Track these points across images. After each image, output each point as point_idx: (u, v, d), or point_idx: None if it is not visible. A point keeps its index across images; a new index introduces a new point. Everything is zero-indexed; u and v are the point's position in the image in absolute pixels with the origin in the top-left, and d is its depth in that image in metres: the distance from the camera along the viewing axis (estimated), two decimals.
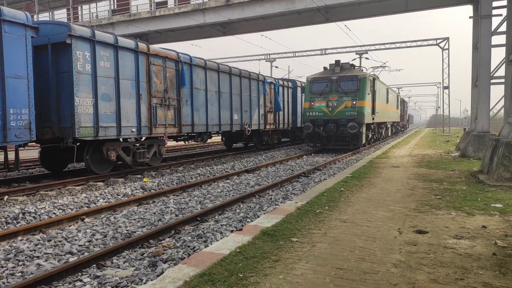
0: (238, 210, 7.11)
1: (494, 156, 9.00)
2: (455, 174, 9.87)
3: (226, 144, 20.74)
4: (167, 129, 12.45)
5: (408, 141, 26.03)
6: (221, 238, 5.13)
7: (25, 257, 4.78)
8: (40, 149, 11.10)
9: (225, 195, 8.61)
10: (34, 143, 10.12)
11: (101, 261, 4.55)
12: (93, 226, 6.18)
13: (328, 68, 19.91)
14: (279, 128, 21.48)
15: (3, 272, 4.36)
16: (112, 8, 25.94)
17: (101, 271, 4.33)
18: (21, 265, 4.57)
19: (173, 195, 8.63)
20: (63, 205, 7.50)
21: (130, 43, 10.98)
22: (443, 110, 45.22)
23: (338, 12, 21.46)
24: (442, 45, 35.87)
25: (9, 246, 5.21)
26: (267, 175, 11.57)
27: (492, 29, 14.96)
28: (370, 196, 7.00)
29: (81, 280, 4.09)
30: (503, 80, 12.89)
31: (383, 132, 26.06)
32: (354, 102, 17.98)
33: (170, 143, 20.79)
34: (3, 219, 6.48)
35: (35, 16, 26.48)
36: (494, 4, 15.11)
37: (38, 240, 5.44)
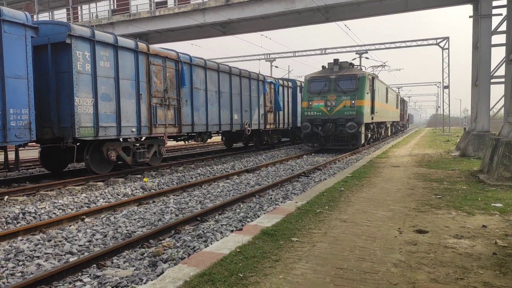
0: (238, 210, 7.11)
1: (494, 155, 9.00)
2: (455, 173, 9.87)
3: (226, 144, 20.72)
4: (167, 129, 12.45)
5: (408, 141, 26.03)
6: (221, 238, 5.14)
7: (25, 257, 4.78)
8: (40, 149, 11.11)
9: (225, 195, 8.62)
10: (34, 143, 10.12)
11: (101, 261, 4.55)
12: (93, 226, 6.18)
13: (327, 67, 19.65)
14: (279, 128, 21.46)
15: (3, 272, 4.36)
16: (112, 8, 25.92)
17: (101, 271, 4.33)
18: (21, 265, 4.57)
19: (173, 195, 8.63)
20: (63, 205, 7.50)
21: (130, 43, 10.98)
22: (443, 110, 45.18)
23: (338, 12, 21.44)
24: (442, 44, 35.88)
25: (9, 246, 5.21)
26: (267, 174, 11.57)
27: (492, 29, 14.96)
28: (370, 196, 6.99)
29: (81, 280, 4.09)
30: (503, 80, 12.91)
31: (383, 131, 25.97)
32: (353, 102, 17.84)
33: (170, 143, 20.80)
34: (3, 219, 6.48)
35: (35, 16, 26.47)
36: (494, 3, 15.13)
37: (38, 240, 5.44)
